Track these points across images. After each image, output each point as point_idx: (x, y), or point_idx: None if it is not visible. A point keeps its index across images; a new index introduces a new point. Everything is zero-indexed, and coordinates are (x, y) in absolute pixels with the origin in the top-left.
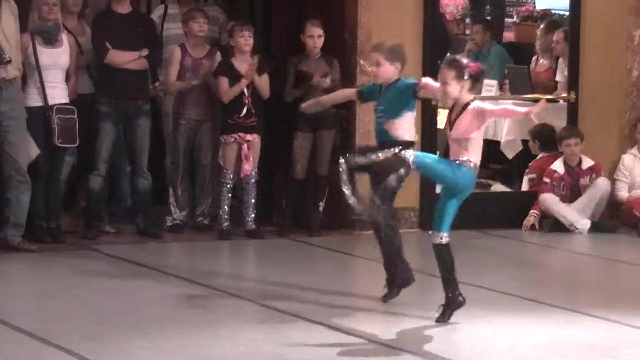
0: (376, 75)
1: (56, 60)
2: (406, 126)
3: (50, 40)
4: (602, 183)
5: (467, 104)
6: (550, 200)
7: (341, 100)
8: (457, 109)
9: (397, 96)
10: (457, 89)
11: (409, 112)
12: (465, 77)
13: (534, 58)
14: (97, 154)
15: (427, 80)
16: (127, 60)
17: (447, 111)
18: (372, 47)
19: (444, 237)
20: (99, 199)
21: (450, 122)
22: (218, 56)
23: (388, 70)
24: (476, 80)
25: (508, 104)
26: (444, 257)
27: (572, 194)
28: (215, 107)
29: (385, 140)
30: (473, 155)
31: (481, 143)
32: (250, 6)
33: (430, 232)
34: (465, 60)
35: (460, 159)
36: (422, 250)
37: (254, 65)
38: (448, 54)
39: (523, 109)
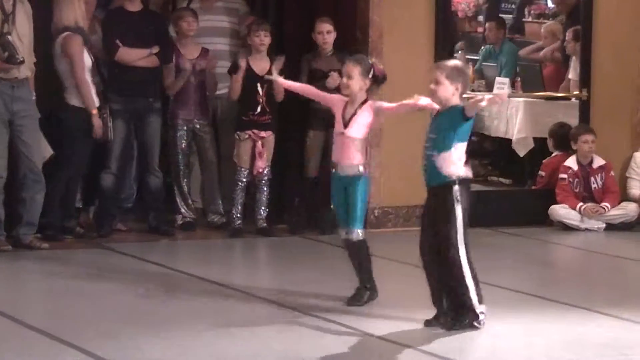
0: (434, 94)
1: (88, 61)
2: (456, 159)
3: (86, 41)
4: (632, 209)
5: (364, 102)
6: (561, 212)
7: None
8: (351, 107)
9: (449, 121)
10: (359, 85)
11: (460, 142)
12: (369, 76)
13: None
14: (108, 152)
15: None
16: (137, 58)
17: None
18: (434, 65)
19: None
20: (110, 196)
21: (345, 121)
22: (211, 55)
23: (447, 90)
24: (377, 82)
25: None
26: (364, 252)
27: (585, 192)
28: (210, 105)
29: (439, 184)
30: (363, 156)
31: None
32: (263, 6)
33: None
34: (371, 61)
35: (355, 167)
36: None
37: (279, 65)
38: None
39: (422, 101)
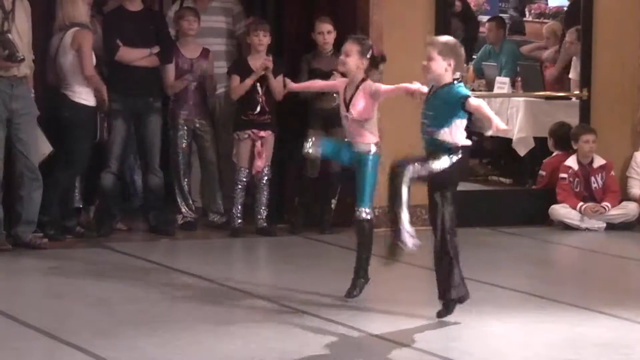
0: (427, 70)
1: (94, 59)
2: (458, 132)
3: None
4: (632, 208)
5: (360, 83)
6: (561, 212)
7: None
8: (350, 89)
9: (446, 103)
10: (356, 64)
11: (459, 119)
12: (367, 56)
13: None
14: (108, 151)
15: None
16: (138, 58)
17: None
18: (427, 41)
19: (367, 212)
20: (111, 196)
21: (346, 103)
22: (211, 56)
23: (440, 66)
24: (374, 63)
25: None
26: (368, 232)
27: (585, 191)
28: (210, 106)
29: (435, 150)
30: (374, 136)
31: (376, 117)
32: (262, 6)
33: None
34: (371, 42)
35: (366, 145)
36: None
37: (265, 64)
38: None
39: (414, 85)
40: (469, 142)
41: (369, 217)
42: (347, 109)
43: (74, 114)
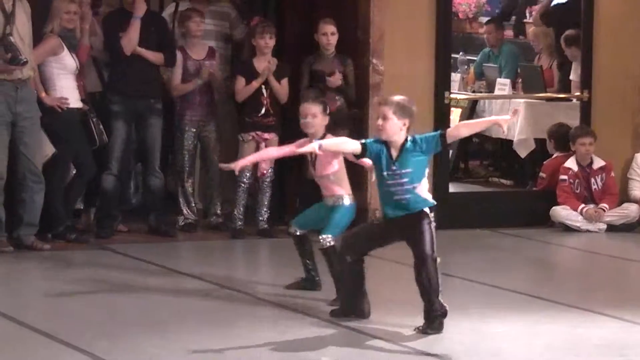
0: (382, 130)
1: (72, 65)
2: (426, 187)
3: (73, 45)
4: (633, 210)
5: (322, 138)
6: (563, 214)
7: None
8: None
9: (423, 152)
10: (321, 124)
11: (427, 169)
12: (327, 112)
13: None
14: (109, 153)
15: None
16: (136, 36)
17: (459, 110)
18: (380, 100)
19: (330, 240)
20: (111, 198)
21: (312, 162)
22: (217, 56)
23: (395, 125)
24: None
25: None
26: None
27: (585, 193)
28: (217, 107)
29: (419, 209)
30: (344, 186)
31: (344, 169)
32: (263, 7)
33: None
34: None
35: (337, 197)
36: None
37: (269, 66)
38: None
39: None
40: (432, 201)
41: (332, 243)
42: (314, 168)
43: (51, 119)
